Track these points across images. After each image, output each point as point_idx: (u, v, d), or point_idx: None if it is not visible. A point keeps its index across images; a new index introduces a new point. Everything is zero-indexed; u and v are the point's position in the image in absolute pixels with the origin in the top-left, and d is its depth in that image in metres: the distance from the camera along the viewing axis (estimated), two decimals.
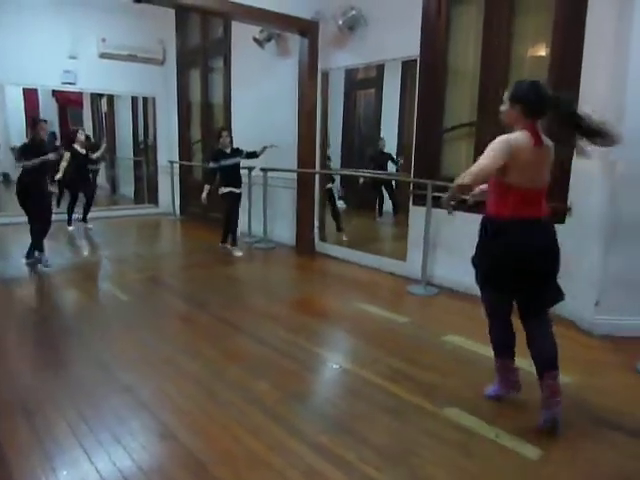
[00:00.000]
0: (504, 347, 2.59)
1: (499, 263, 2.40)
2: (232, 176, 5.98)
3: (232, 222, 6.08)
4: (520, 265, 2.34)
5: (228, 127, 7.69)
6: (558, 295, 2.42)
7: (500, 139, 2.27)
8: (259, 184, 6.48)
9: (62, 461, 2.06)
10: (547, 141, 2.35)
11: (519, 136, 2.29)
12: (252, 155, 6.11)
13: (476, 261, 2.55)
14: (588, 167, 3.63)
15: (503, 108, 2.41)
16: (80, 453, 2.11)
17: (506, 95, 2.40)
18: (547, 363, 2.36)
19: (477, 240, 2.54)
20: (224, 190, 5.99)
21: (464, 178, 2.19)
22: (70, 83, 8.07)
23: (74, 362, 3.10)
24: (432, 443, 2.22)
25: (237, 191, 6.02)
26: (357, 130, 9.02)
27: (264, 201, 6.46)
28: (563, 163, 3.79)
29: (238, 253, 5.97)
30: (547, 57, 3.97)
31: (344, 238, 6.43)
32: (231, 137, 6.04)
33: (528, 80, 2.41)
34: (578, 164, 3.71)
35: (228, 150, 5.95)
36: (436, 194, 4.44)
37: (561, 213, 3.83)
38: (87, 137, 7.70)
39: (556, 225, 3.74)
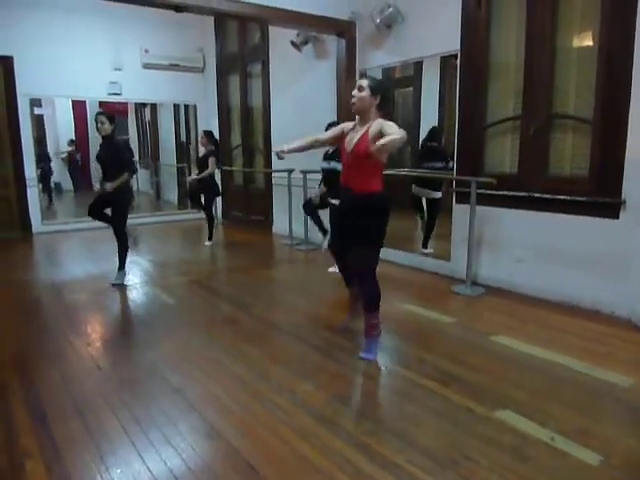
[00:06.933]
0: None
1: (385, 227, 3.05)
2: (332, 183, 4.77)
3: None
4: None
5: (268, 130, 7.75)
6: None
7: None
8: (299, 186, 6.51)
9: (115, 460, 2.11)
10: None
11: None
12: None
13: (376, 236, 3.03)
14: None
15: (364, 94, 2.83)
16: (132, 452, 2.16)
17: (366, 83, 2.86)
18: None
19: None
20: (332, 201, 4.80)
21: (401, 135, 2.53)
22: (116, 94, 8.37)
23: (124, 364, 3.18)
24: (484, 446, 2.15)
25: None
26: None
27: None
28: (614, 152, 3.62)
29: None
30: (595, 47, 3.79)
31: (426, 251, 5.63)
32: None
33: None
34: (632, 154, 3.54)
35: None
36: (480, 191, 4.35)
37: (615, 208, 3.66)
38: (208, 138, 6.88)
39: (610, 220, 3.67)
